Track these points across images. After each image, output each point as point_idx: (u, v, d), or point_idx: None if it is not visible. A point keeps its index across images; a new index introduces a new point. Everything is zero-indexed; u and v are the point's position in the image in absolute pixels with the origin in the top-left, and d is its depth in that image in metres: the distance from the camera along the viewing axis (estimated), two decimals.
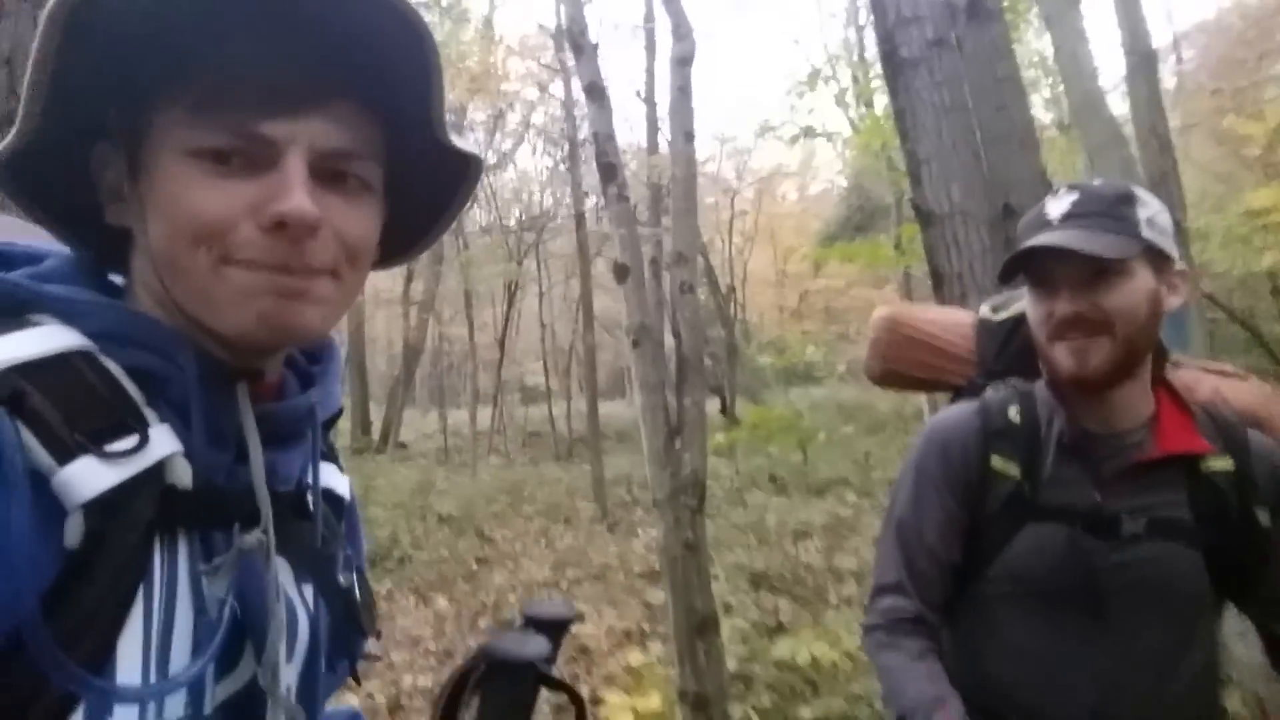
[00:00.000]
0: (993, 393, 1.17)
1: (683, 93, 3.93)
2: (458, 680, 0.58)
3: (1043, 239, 1.02)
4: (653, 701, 3.48)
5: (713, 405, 11.29)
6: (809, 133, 8.96)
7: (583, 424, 12.54)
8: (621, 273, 3.38)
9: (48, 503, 0.43)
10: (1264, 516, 1.03)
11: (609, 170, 3.49)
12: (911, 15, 2.36)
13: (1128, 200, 1.03)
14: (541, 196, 17.11)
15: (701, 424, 3.55)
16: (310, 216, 0.48)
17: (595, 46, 3.67)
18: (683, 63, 3.94)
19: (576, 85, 10.34)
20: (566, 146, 13.21)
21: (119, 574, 0.45)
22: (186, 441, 0.50)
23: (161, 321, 0.52)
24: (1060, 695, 1.05)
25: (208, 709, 0.51)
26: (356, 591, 0.65)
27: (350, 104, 0.52)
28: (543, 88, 13.63)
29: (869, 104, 8.99)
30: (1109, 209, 1.02)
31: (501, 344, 14.81)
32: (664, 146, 9.87)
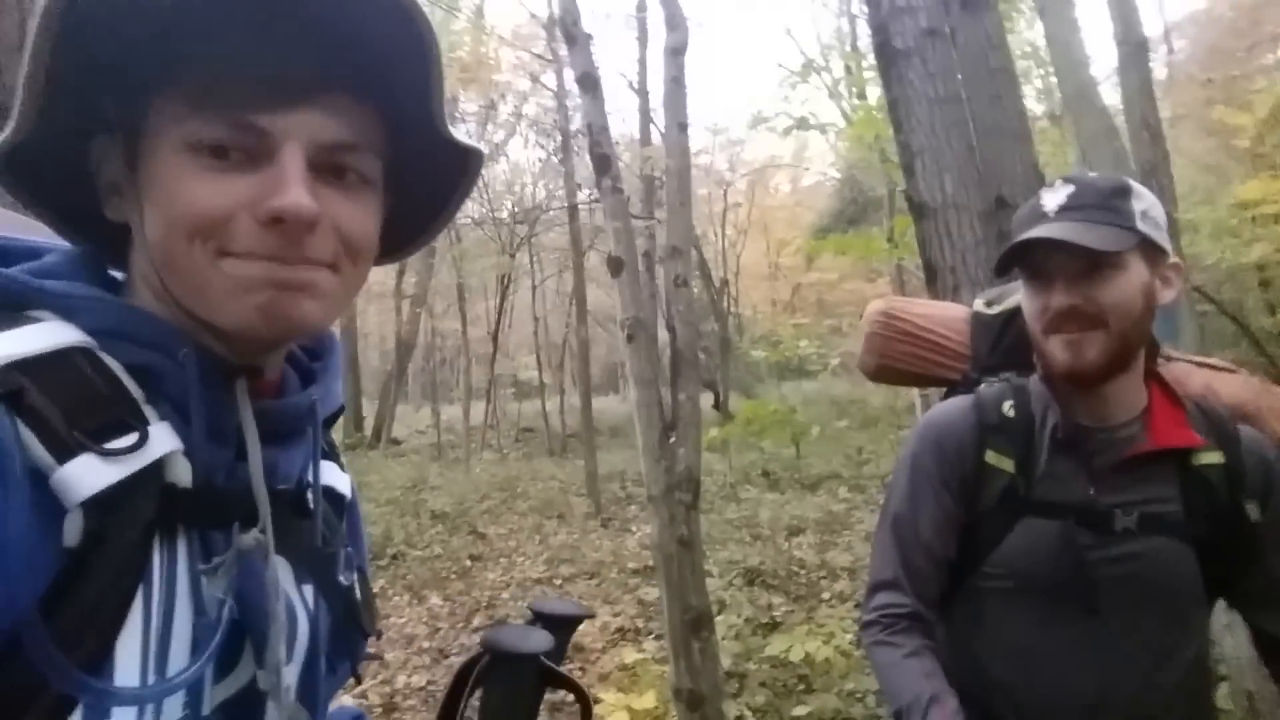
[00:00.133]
0: (987, 387, 1.17)
1: (676, 83, 3.90)
2: (461, 673, 0.57)
3: (1038, 232, 1.01)
4: (647, 700, 3.48)
5: (705, 400, 11.29)
6: (802, 124, 8.92)
7: (576, 419, 12.54)
8: (616, 266, 3.36)
9: (47, 501, 0.43)
10: (1253, 510, 1.03)
11: (603, 162, 3.46)
12: (905, 5, 2.34)
13: (1123, 193, 1.03)
14: (534, 189, 17.06)
15: (696, 419, 3.54)
16: (307, 211, 0.48)
17: (588, 37, 3.64)
18: (676, 53, 3.91)
19: (569, 76, 10.29)
20: (559, 138, 13.15)
21: (118, 573, 0.45)
22: (186, 439, 0.49)
23: (161, 318, 0.51)
24: (1054, 690, 1.05)
25: (206, 710, 0.51)
26: (357, 591, 0.64)
27: (349, 97, 0.51)
28: (535, 78, 13.56)
29: (862, 95, 8.97)
30: (1104, 202, 1.02)
31: (494, 338, 14.77)
32: (656, 138, 9.84)
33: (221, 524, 0.52)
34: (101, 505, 0.44)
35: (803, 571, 5.72)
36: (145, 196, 0.50)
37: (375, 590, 0.70)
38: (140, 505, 0.46)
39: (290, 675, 0.57)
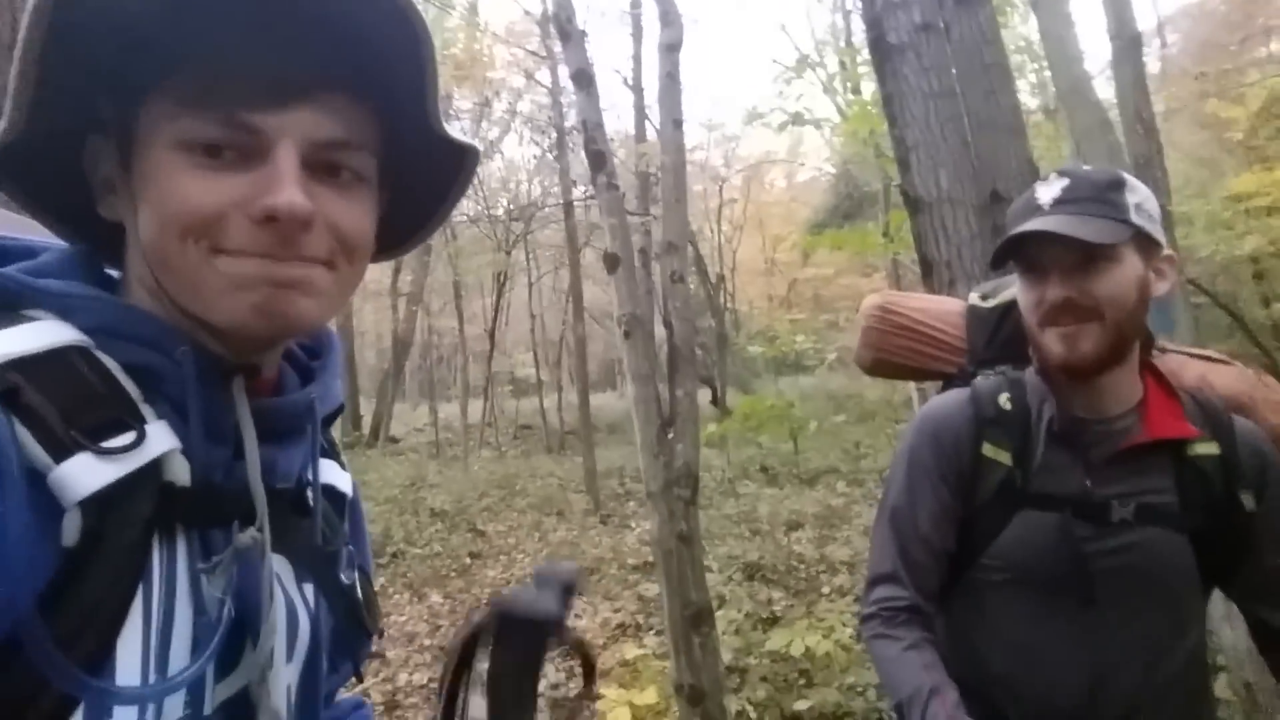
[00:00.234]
0: (983, 380, 1.17)
1: (671, 79, 3.89)
2: (468, 639, 0.58)
3: (1033, 225, 1.02)
4: (649, 695, 3.49)
5: (703, 396, 11.31)
6: (797, 120, 8.92)
7: (574, 416, 12.54)
8: (612, 263, 3.35)
9: (44, 500, 0.43)
10: (1249, 500, 1.04)
11: (598, 159, 3.45)
12: (899, 0, 2.34)
13: (1117, 186, 1.03)
14: (529, 186, 17.02)
15: (694, 415, 3.54)
16: (301, 210, 0.47)
17: (583, 33, 3.63)
18: (671, 49, 3.90)
19: (563, 72, 10.26)
20: (554, 135, 13.12)
21: (117, 573, 0.45)
22: (184, 438, 0.49)
23: (157, 316, 0.51)
24: (1052, 681, 1.06)
25: (208, 709, 0.51)
26: (358, 589, 0.64)
27: (343, 95, 0.51)
28: (529, 75, 13.52)
29: (856, 90, 8.97)
30: (1099, 194, 1.02)
31: (491, 336, 14.76)
32: (651, 134, 9.82)
33: (220, 523, 0.52)
34: (99, 504, 0.44)
35: (802, 566, 5.73)
36: (139, 195, 0.50)
37: (376, 588, 0.70)
38: (138, 504, 0.46)
39: (291, 674, 0.57)
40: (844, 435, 10.47)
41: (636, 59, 11.32)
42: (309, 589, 0.60)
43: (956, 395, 1.17)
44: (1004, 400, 1.12)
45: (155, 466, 0.47)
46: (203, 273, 0.48)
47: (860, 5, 2.55)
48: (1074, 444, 1.07)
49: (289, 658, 0.57)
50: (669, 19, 3.94)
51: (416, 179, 0.59)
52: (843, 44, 11.06)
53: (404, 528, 7.84)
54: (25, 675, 0.41)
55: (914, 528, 1.14)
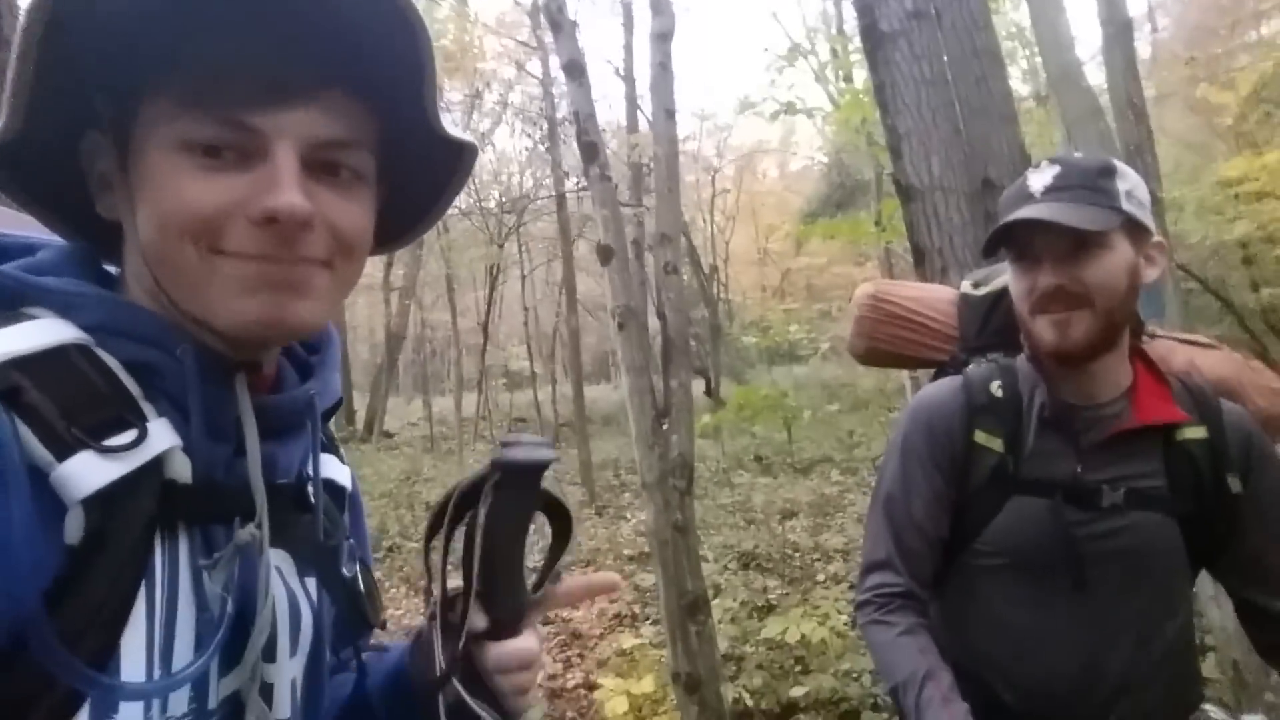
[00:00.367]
0: (975, 368, 1.18)
1: (663, 69, 3.87)
2: (468, 490, 0.60)
3: (1025, 212, 1.02)
4: (646, 684, 3.51)
5: (697, 386, 11.30)
6: (789, 109, 8.90)
7: (568, 408, 12.53)
8: (605, 254, 3.35)
9: (47, 499, 0.43)
10: (1235, 483, 1.05)
11: (590, 150, 3.44)
12: None
13: (1108, 173, 1.04)
14: (521, 178, 16.96)
15: (688, 405, 3.55)
16: (301, 211, 0.47)
17: (574, 24, 3.60)
18: (663, 38, 3.87)
19: (555, 63, 10.20)
20: (545, 126, 13.05)
21: (121, 570, 0.45)
22: (185, 435, 0.49)
23: (157, 314, 0.51)
24: (1044, 664, 1.07)
25: (212, 704, 0.51)
26: (360, 583, 0.65)
27: (341, 93, 0.51)
28: (520, 66, 13.44)
29: (848, 78, 8.95)
30: (1089, 182, 1.03)
31: (485, 329, 14.71)
32: (643, 124, 9.78)
33: (222, 519, 0.52)
34: (102, 502, 0.44)
35: (797, 554, 5.77)
36: (137, 194, 0.49)
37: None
38: (141, 502, 0.46)
39: (295, 668, 0.58)
40: (838, 424, 10.51)
41: (628, 49, 11.28)
42: (311, 583, 0.60)
43: (949, 383, 1.18)
44: (995, 387, 1.12)
45: (157, 464, 0.47)
46: (203, 274, 0.48)
47: None
48: (1065, 430, 1.08)
49: (293, 651, 0.57)
50: (660, 8, 3.91)
51: (413, 175, 0.59)
52: (834, 31, 11.03)
53: (399, 522, 7.84)
54: (31, 672, 0.41)
55: (908, 515, 1.14)
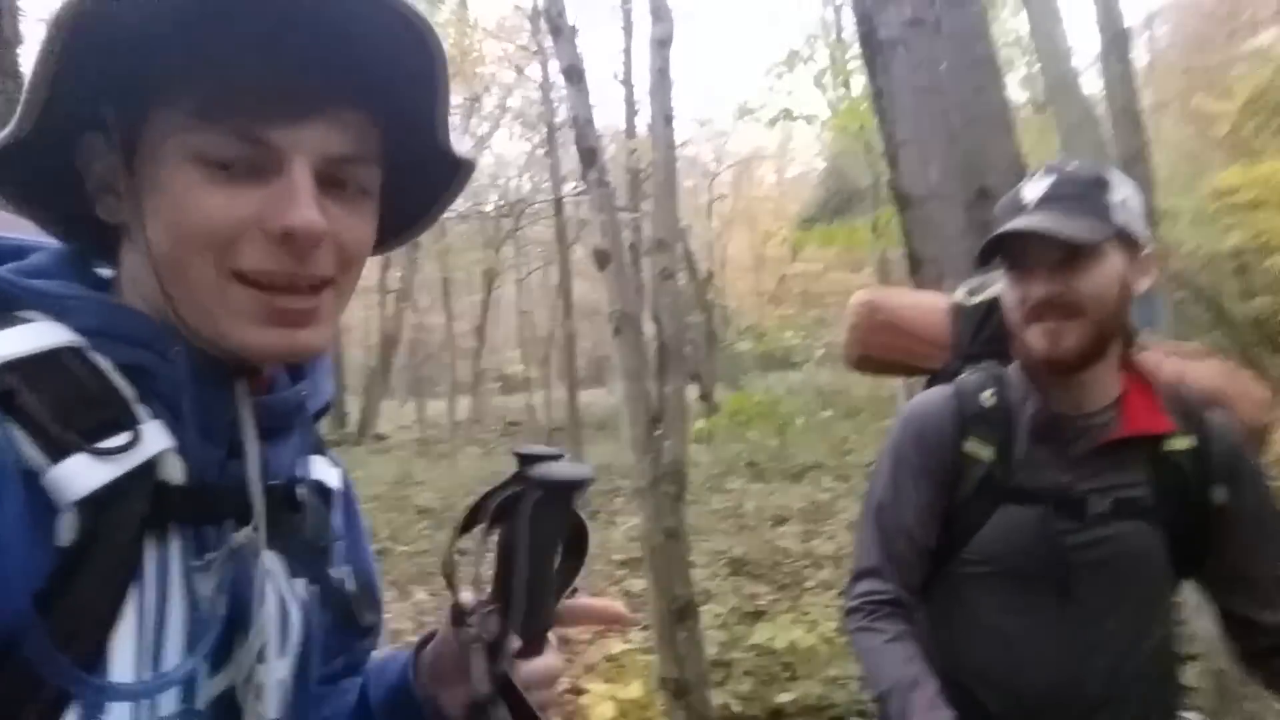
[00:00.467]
0: (967, 377, 1.18)
1: (662, 75, 3.88)
2: (501, 503, 0.60)
3: (1018, 223, 1.03)
4: (633, 690, 3.50)
5: (691, 392, 11.31)
6: (787, 115, 8.93)
7: (563, 413, 12.52)
8: (602, 259, 3.34)
9: (40, 500, 0.43)
10: (1220, 494, 1.06)
11: (589, 155, 3.43)
12: None
13: (1101, 184, 1.05)
14: (519, 182, 16.96)
15: (682, 411, 3.55)
16: (318, 230, 0.48)
17: (573, 29, 3.60)
18: (662, 44, 3.88)
19: (554, 67, 10.22)
20: (544, 130, 13.07)
21: (112, 571, 0.45)
22: (178, 437, 0.49)
23: (150, 316, 0.51)
24: (1030, 672, 1.08)
25: (200, 704, 0.51)
26: (350, 583, 0.64)
27: (350, 108, 0.51)
28: (520, 70, 13.46)
29: (846, 85, 8.98)
30: (1083, 192, 1.03)
31: (480, 333, 14.71)
32: (642, 129, 9.80)
33: (214, 520, 0.52)
34: (95, 504, 0.44)
35: (787, 560, 5.76)
36: (147, 202, 0.49)
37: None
38: (134, 504, 0.46)
39: (283, 669, 0.58)
40: (831, 431, 10.51)
41: (627, 54, 11.29)
42: (300, 584, 0.60)
43: (941, 392, 1.18)
44: (987, 396, 1.13)
45: (150, 466, 0.47)
46: (216, 298, 0.49)
47: (850, 0, 2.55)
48: (1054, 439, 1.08)
49: (282, 652, 0.57)
50: (660, 14, 3.92)
51: (409, 184, 0.59)
52: (833, 38, 11.08)
53: (390, 525, 7.80)
54: (20, 673, 0.42)
55: (898, 523, 1.14)
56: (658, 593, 3.18)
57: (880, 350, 1.38)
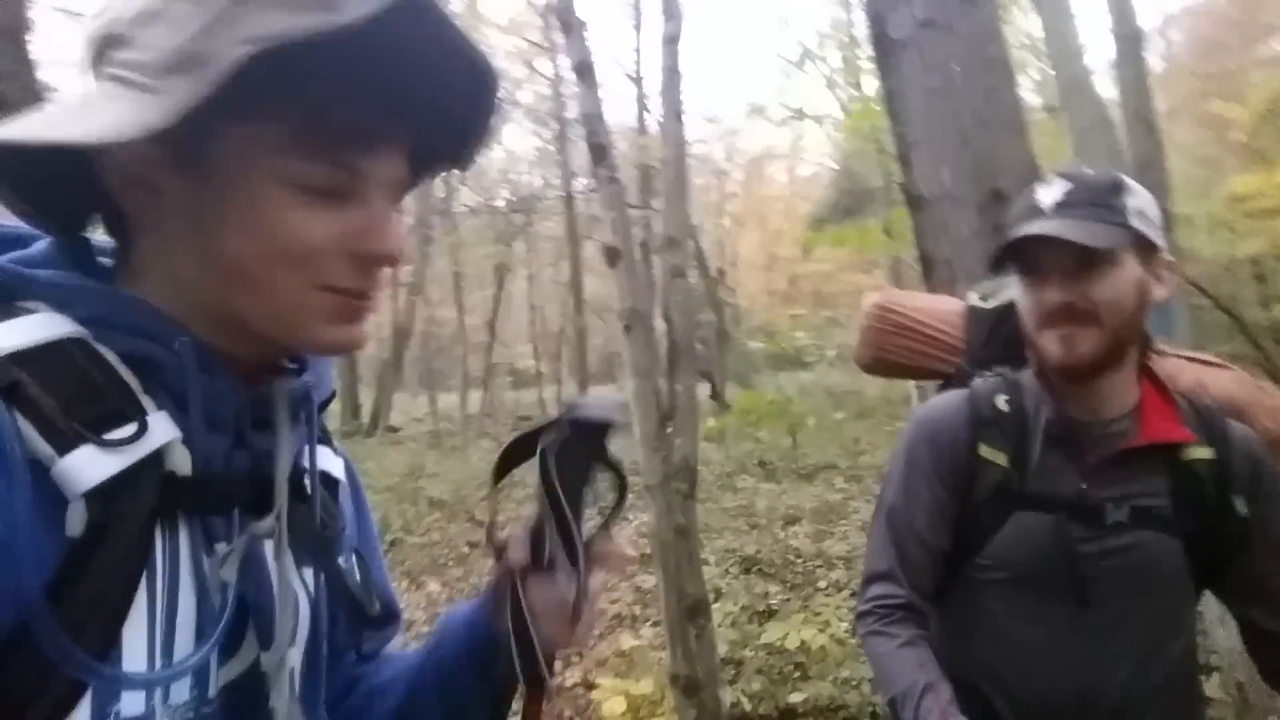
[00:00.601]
0: (980, 381, 1.17)
1: (672, 72, 3.87)
2: (523, 444, 0.64)
3: (1033, 228, 1.02)
4: (644, 686, 3.52)
5: (702, 390, 11.30)
6: (799, 114, 8.90)
7: None
8: (613, 256, 3.35)
9: (49, 492, 0.44)
10: (1241, 505, 1.04)
11: (599, 151, 3.44)
12: None
13: (1117, 189, 1.04)
14: (530, 177, 16.97)
15: (693, 409, 3.55)
16: (399, 255, 0.54)
17: (584, 25, 3.61)
18: (672, 42, 3.88)
19: (564, 63, 10.21)
20: (555, 126, 13.08)
21: (122, 561, 0.45)
22: (184, 427, 0.50)
23: (154, 306, 0.51)
24: (1045, 680, 1.07)
25: (212, 692, 0.52)
26: (356, 573, 0.65)
27: (406, 138, 0.55)
28: (530, 66, 13.47)
29: (858, 85, 8.94)
30: (1099, 198, 1.03)
31: (491, 327, 14.75)
32: (652, 126, 9.79)
33: (222, 510, 0.53)
34: (104, 495, 0.45)
35: (799, 560, 5.75)
36: (213, 211, 0.50)
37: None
38: (142, 494, 0.47)
39: (294, 657, 0.58)
40: (843, 431, 10.48)
41: (637, 51, 11.29)
42: (308, 573, 0.61)
43: (954, 396, 1.18)
44: (1001, 401, 1.12)
45: (157, 457, 0.48)
46: (298, 303, 0.52)
47: (863, 0, 2.55)
48: (1070, 446, 1.08)
49: (291, 640, 0.58)
50: (671, 12, 3.92)
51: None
52: (845, 38, 11.02)
53: (402, 516, 7.85)
54: (33, 663, 0.42)
55: (910, 527, 1.14)
56: (668, 590, 3.20)
57: (892, 353, 1.38)
